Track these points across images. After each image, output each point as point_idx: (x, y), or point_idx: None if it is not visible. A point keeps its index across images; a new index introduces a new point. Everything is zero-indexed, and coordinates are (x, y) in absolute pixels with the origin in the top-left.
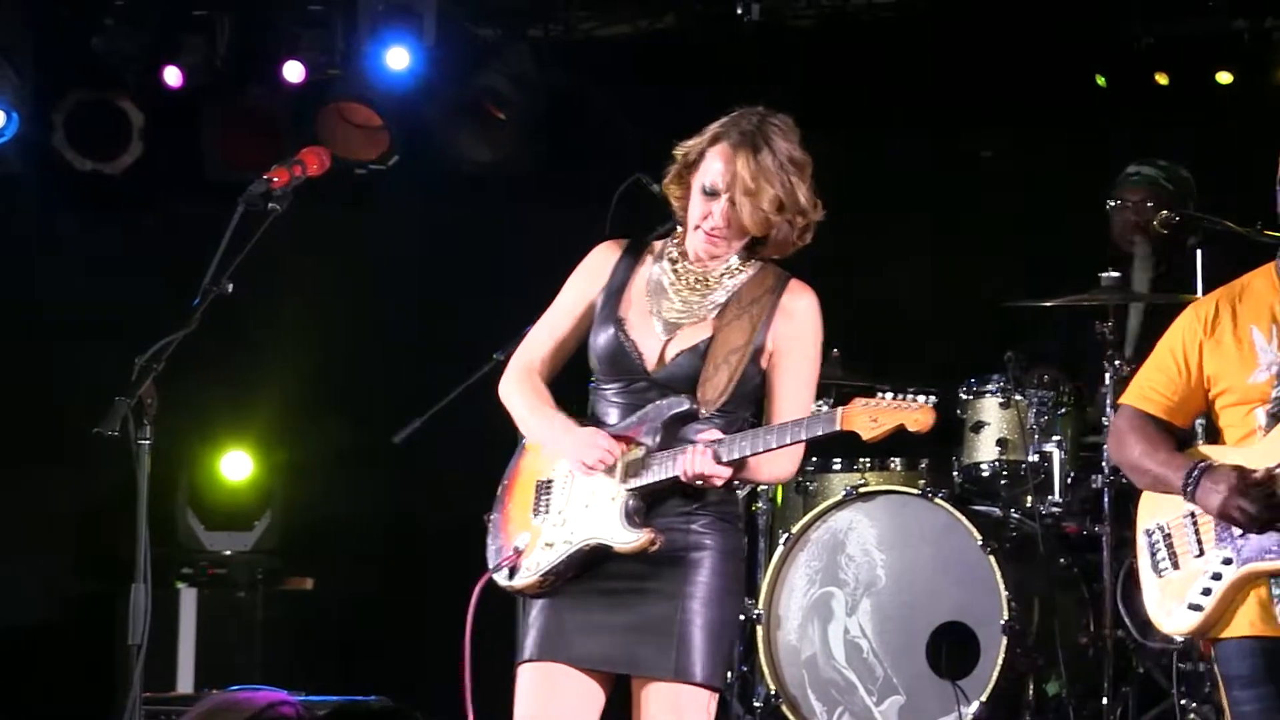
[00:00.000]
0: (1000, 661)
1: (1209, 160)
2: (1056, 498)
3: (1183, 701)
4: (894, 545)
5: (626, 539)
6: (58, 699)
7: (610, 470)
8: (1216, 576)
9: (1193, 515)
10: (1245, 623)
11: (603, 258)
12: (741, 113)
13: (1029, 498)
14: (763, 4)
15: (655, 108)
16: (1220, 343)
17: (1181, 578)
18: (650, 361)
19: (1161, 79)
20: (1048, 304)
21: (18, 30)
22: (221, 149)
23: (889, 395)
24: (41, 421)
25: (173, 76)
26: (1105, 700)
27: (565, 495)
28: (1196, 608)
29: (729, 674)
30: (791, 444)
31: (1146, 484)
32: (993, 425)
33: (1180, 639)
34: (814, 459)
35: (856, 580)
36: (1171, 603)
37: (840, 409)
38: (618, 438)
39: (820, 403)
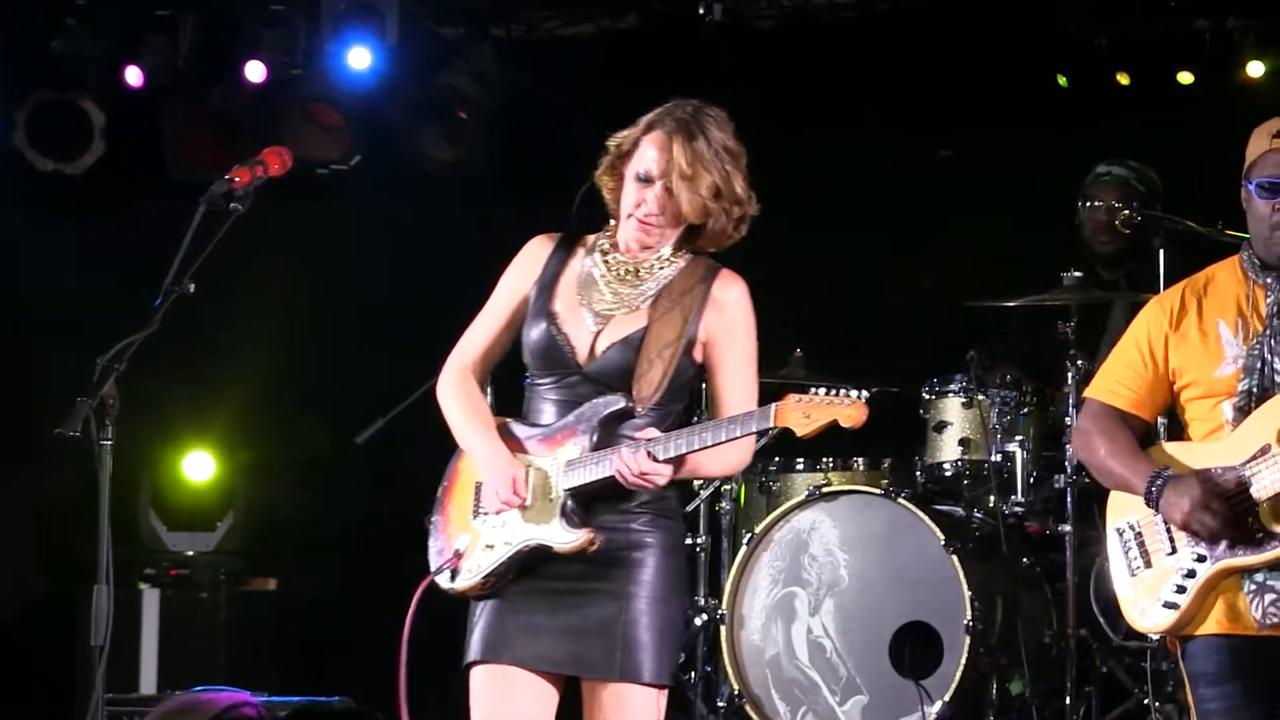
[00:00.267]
0: (963, 661)
1: (1170, 160)
2: (1019, 497)
3: (1145, 700)
4: (857, 545)
5: (566, 539)
6: (18, 700)
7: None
8: (1190, 574)
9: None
10: (1214, 621)
11: (535, 252)
12: (675, 103)
13: (992, 497)
14: (725, 4)
15: (617, 107)
16: (1186, 336)
17: (1154, 576)
18: (581, 354)
19: (1123, 79)
20: (1010, 304)
21: None
22: (183, 149)
23: (822, 391)
24: (1, 422)
25: (134, 76)
26: (1068, 700)
27: (502, 513)
28: (1172, 605)
29: (693, 674)
30: (726, 441)
31: (1111, 485)
32: (955, 425)
33: (1155, 637)
34: (777, 459)
35: (819, 580)
36: (1145, 601)
37: (774, 405)
38: (551, 439)
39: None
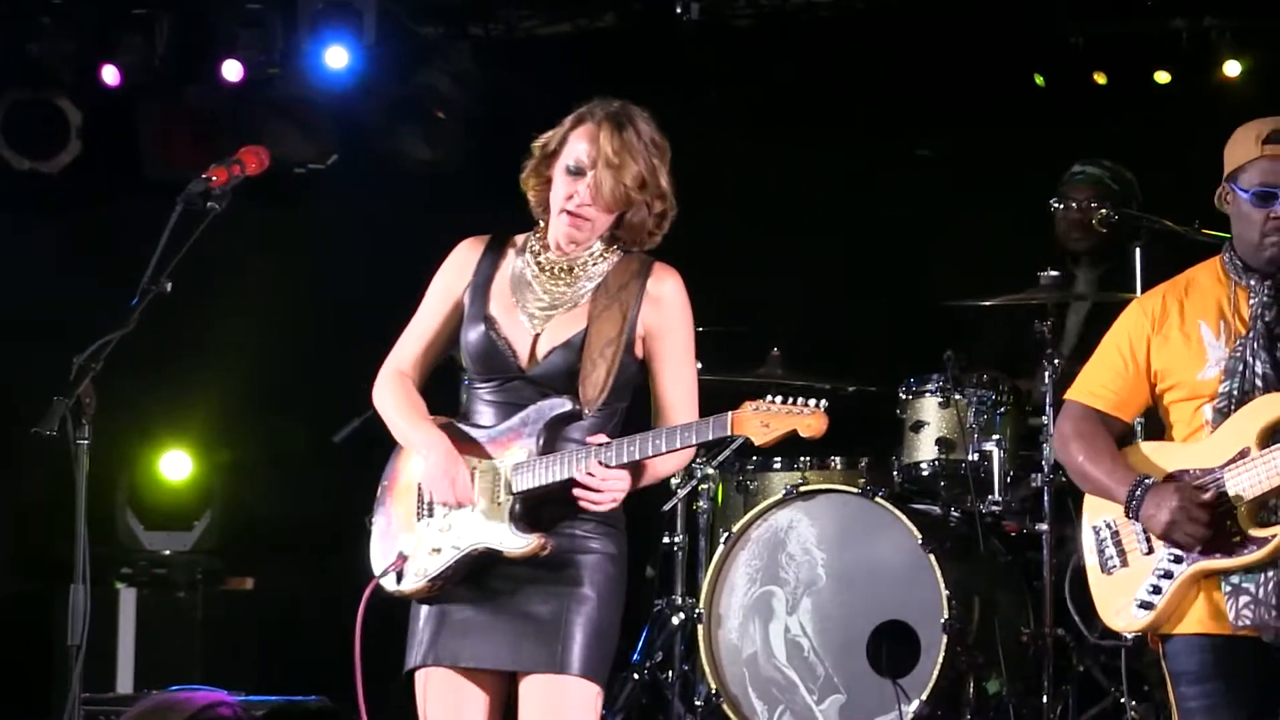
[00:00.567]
0: (940, 660)
1: (1148, 159)
2: (996, 496)
3: (1121, 699)
4: (834, 544)
5: (516, 544)
6: None
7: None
8: (1167, 575)
9: None
10: (1194, 620)
11: (466, 254)
12: (601, 100)
13: (969, 497)
14: (702, 3)
15: None
16: (1168, 338)
17: (1130, 575)
18: (523, 358)
19: (1100, 78)
20: (987, 303)
21: None
22: (160, 148)
23: (779, 400)
24: None
25: (111, 75)
26: (1045, 698)
27: (449, 507)
28: (1147, 606)
29: (670, 673)
30: (682, 448)
31: (1090, 490)
32: (932, 425)
33: (1130, 636)
34: (755, 458)
35: (797, 579)
36: (1120, 600)
37: (731, 413)
38: (496, 442)
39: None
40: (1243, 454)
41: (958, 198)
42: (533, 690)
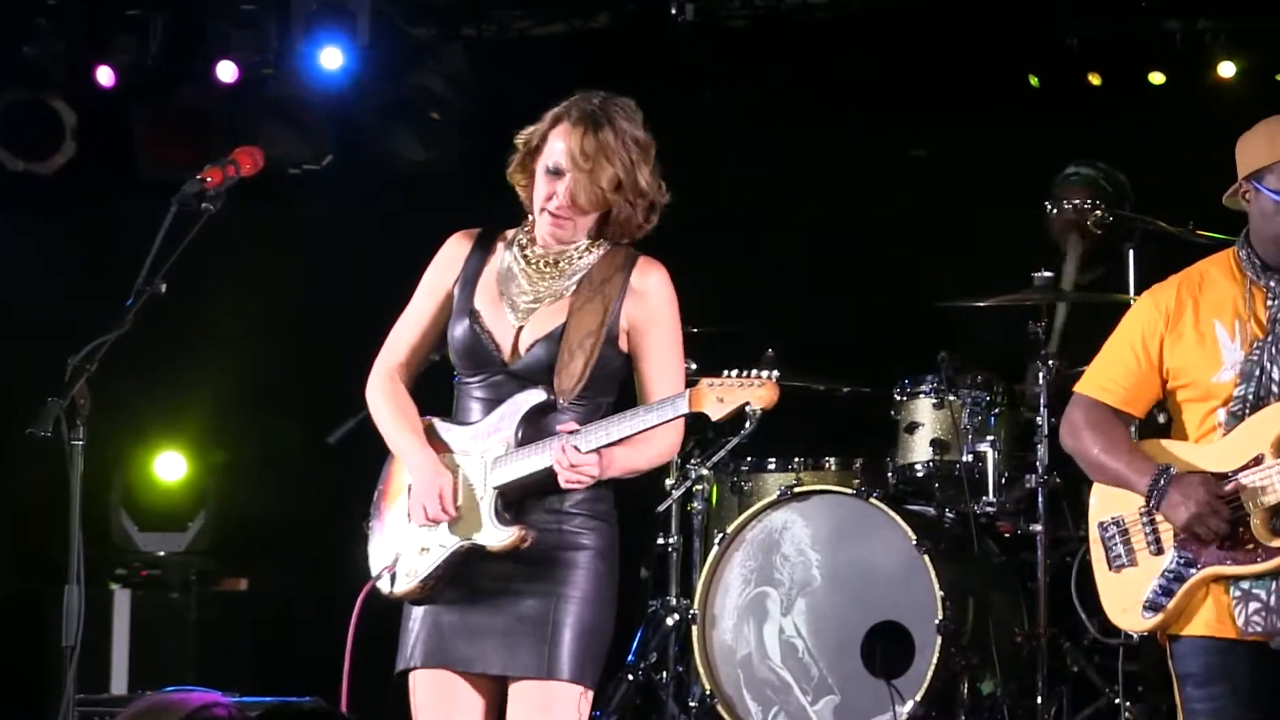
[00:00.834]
0: (935, 661)
1: (1142, 160)
2: (990, 497)
3: (1116, 700)
4: (829, 545)
5: (497, 538)
6: None
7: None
8: (1177, 577)
9: (1150, 511)
10: (1202, 622)
11: (455, 249)
12: (583, 94)
13: (963, 498)
14: (696, 4)
15: None
16: (1182, 336)
17: (1138, 574)
18: (506, 351)
19: (1094, 79)
20: (981, 304)
21: None
22: (154, 149)
23: (734, 374)
24: None
25: (105, 76)
26: (1040, 699)
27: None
28: (1155, 607)
29: (665, 673)
30: (645, 429)
31: (1104, 481)
32: (927, 426)
33: (1136, 636)
34: (749, 458)
35: (791, 580)
36: (1127, 599)
37: (688, 390)
38: (478, 437)
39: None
40: (1257, 460)
41: (952, 198)
42: (520, 695)
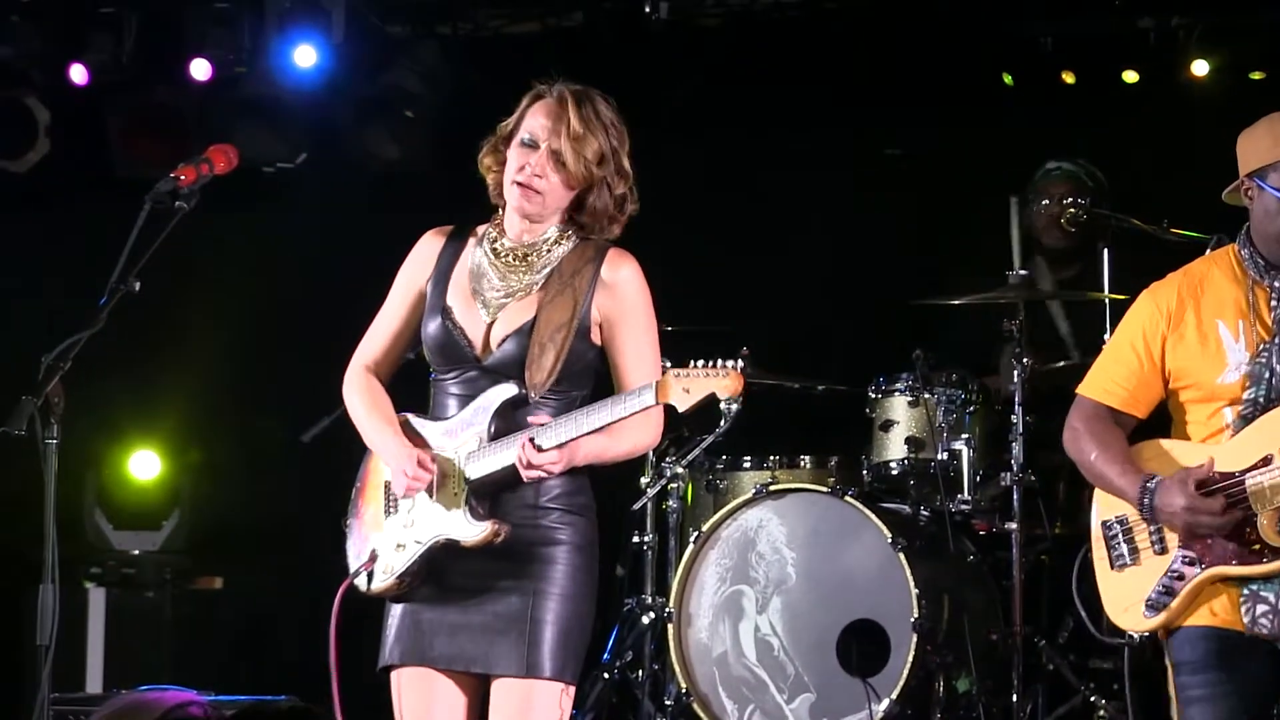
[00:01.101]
0: (910, 659)
1: (1116, 158)
2: (965, 495)
3: (1091, 698)
4: (804, 543)
5: (471, 532)
6: None
7: (441, 476)
8: (1180, 576)
9: None
10: (1205, 613)
11: (427, 247)
12: (560, 81)
13: (938, 496)
14: (671, 3)
15: None
16: (1184, 338)
17: (1141, 574)
18: (478, 347)
19: (1068, 78)
20: (955, 302)
21: None
22: (128, 147)
23: (700, 364)
24: None
25: (79, 74)
26: (1015, 697)
27: (411, 496)
28: (1157, 607)
29: (640, 672)
30: (611, 422)
31: (1102, 488)
32: (902, 424)
33: (1137, 636)
34: (724, 456)
35: (767, 578)
36: (1129, 598)
37: (655, 382)
38: (451, 433)
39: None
40: (1265, 461)
41: (926, 197)
42: (501, 692)
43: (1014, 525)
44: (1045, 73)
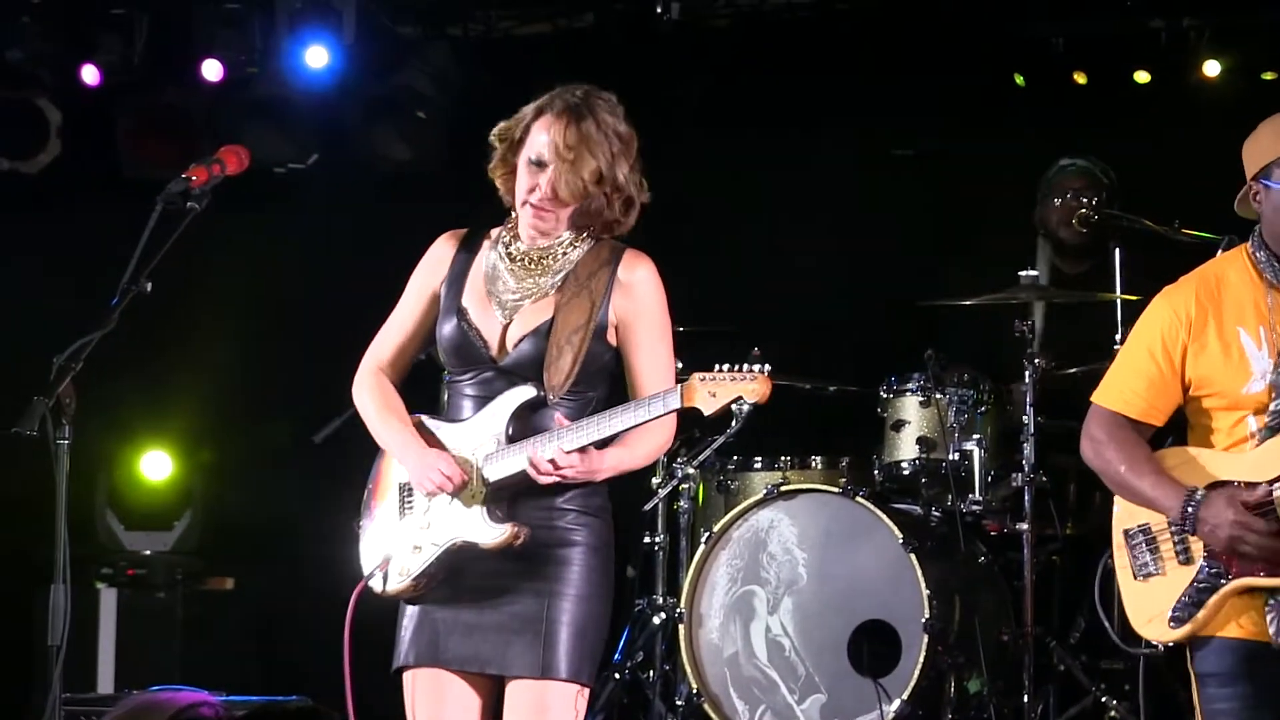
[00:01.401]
0: (921, 660)
1: (1127, 159)
2: (977, 496)
3: (1103, 699)
4: (815, 544)
5: (490, 535)
6: None
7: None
8: (1209, 588)
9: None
10: (1229, 624)
11: (442, 249)
12: (565, 87)
13: (949, 496)
14: (682, 3)
15: None
16: (1206, 346)
17: (1166, 584)
18: (494, 348)
19: (1080, 78)
20: (967, 302)
21: None
22: (139, 148)
23: (726, 368)
24: None
25: (90, 75)
26: (1026, 698)
27: (428, 497)
28: (1182, 620)
29: (651, 672)
30: (636, 425)
31: (1131, 500)
32: (913, 424)
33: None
34: (735, 457)
35: (778, 579)
36: (1154, 609)
37: (681, 385)
38: (471, 433)
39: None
40: None
41: (937, 197)
42: (517, 694)
43: (1025, 526)
44: (1056, 73)
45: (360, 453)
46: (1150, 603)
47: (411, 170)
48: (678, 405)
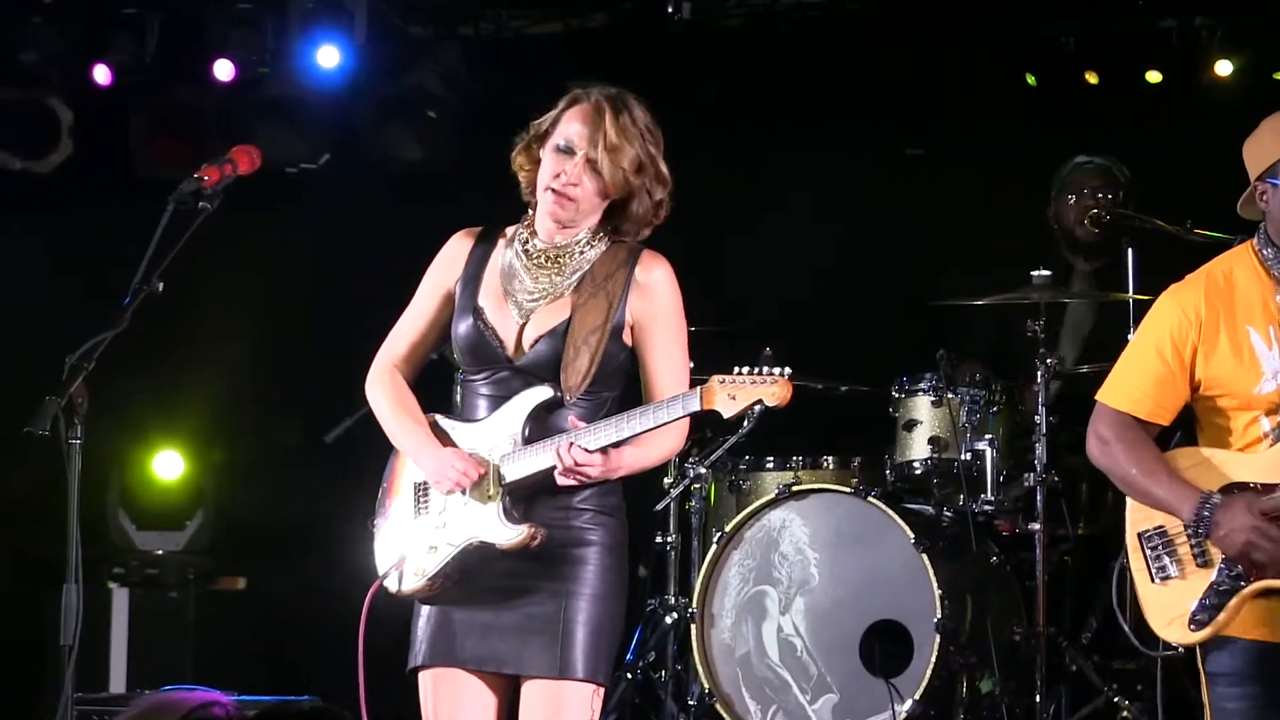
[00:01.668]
0: (933, 659)
1: (1139, 158)
2: (989, 496)
3: (1115, 699)
4: (827, 543)
5: (507, 535)
6: None
7: (477, 481)
8: (1229, 591)
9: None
10: (1244, 626)
11: (457, 247)
12: (595, 84)
13: (961, 496)
14: (693, 3)
15: None
16: (1216, 346)
17: (1184, 587)
18: (510, 348)
19: (1091, 78)
20: (979, 302)
21: None
22: (151, 148)
23: (746, 371)
24: None
25: (102, 75)
26: (1038, 698)
27: (443, 496)
28: (1202, 623)
29: (664, 672)
30: (655, 427)
31: (1141, 501)
32: (925, 424)
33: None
34: (747, 457)
35: (790, 579)
36: (1172, 611)
37: (700, 388)
38: (487, 433)
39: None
40: None
41: (949, 197)
42: (533, 693)
43: (1037, 526)
44: (1068, 73)
45: (372, 452)
46: (1169, 605)
47: (423, 170)
48: (697, 408)
